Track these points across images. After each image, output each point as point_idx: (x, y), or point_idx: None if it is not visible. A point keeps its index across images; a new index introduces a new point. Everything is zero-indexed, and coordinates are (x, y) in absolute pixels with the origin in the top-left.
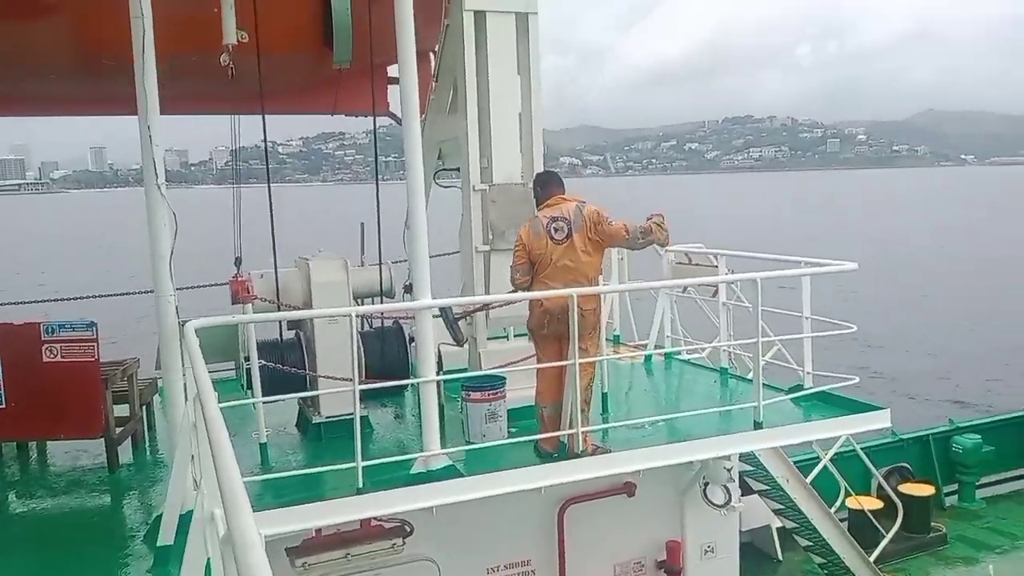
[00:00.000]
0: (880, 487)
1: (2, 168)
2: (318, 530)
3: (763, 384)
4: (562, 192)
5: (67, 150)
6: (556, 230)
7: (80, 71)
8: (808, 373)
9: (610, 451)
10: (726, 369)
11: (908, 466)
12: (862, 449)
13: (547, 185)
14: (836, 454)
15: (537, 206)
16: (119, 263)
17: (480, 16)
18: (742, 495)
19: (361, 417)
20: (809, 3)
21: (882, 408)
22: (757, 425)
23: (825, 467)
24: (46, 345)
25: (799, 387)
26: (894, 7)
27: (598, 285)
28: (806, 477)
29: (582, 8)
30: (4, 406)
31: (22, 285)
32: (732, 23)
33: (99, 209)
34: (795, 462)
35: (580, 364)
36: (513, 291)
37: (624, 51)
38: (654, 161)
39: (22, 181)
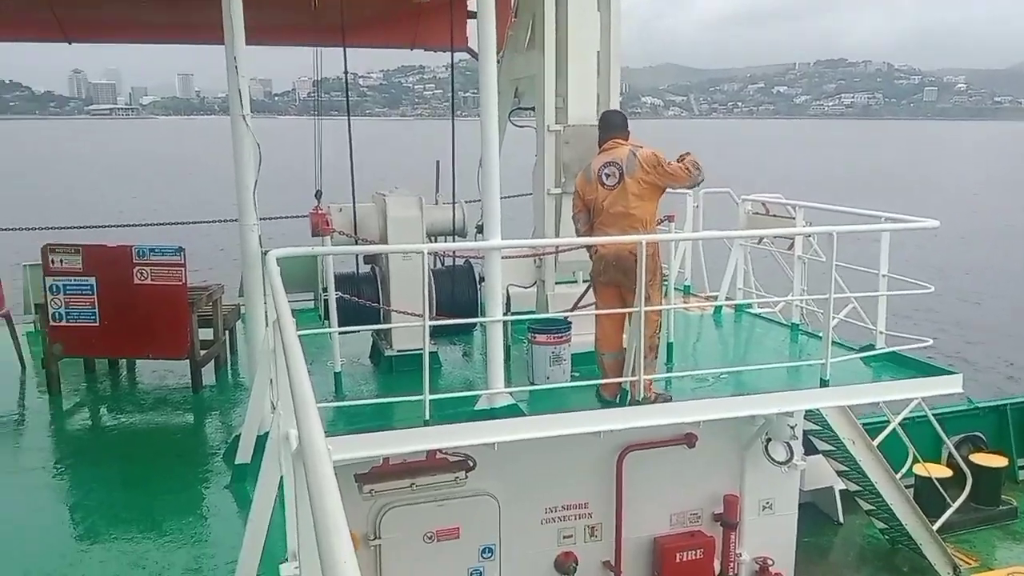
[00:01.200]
0: (951, 455)
1: (95, 92)
2: (386, 459)
3: (834, 342)
4: (622, 135)
5: (156, 76)
6: (607, 176)
7: None
8: (881, 333)
9: (671, 400)
10: (797, 325)
11: (982, 435)
12: (935, 416)
13: (606, 128)
14: (907, 419)
15: (599, 147)
16: (206, 190)
17: None
18: (807, 454)
19: (430, 353)
20: None
21: (954, 373)
22: (823, 383)
23: (894, 432)
24: (137, 267)
25: (870, 347)
26: None
27: (654, 230)
28: (874, 440)
29: None
30: (98, 324)
31: (113, 208)
32: None
33: (186, 136)
34: (864, 425)
35: (645, 312)
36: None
37: None
38: (740, 104)
39: (113, 106)
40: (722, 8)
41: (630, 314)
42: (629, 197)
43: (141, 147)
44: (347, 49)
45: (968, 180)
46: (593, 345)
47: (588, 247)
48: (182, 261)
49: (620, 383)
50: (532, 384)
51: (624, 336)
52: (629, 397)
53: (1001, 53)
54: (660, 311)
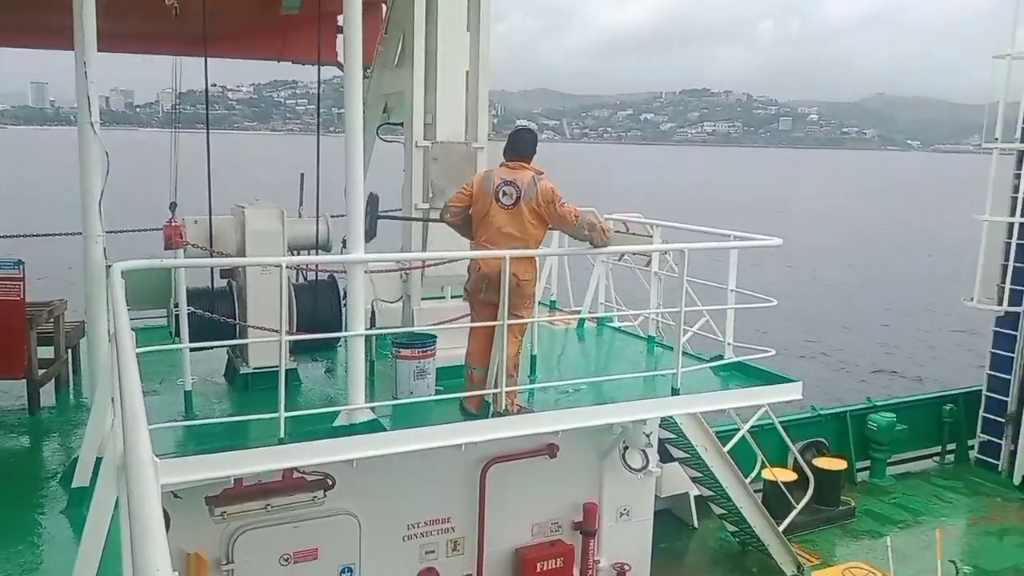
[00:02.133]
0: (796, 460)
1: None
2: (239, 479)
3: (687, 353)
4: (527, 158)
5: (7, 84)
6: (504, 194)
7: (18, 1)
8: (728, 344)
9: (532, 411)
10: (653, 338)
11: (825, 441)
12: (781, 423)
13: (516, 146)
14: (756, 426)
15: (504, 159)
16: (53, 203)
17: None
18: (663, 462)
19: (289, 370)
20: None
21: (794, 381)
22: (675, 391)
23: (744, 438)
24: None
25: (719, 357)
26: None
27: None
28: (725, 447)
29: None
30: None
31: None
32: None
33: (36, 146)
34: (716, 432)
35: (511, 329)
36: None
37: (588, 15)
38: (610, 129)
39: None
40: (594, 38)
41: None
42: (523, 222)
43: None
44: (211, 59)
45: (816, 203)
46: (460, 359)
47: (469, 263)
48: (20, 275)
49: (484, 396)
50: (395, 399)
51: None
52: (492, 409)
53: (851, 87)
54: (524, 330)
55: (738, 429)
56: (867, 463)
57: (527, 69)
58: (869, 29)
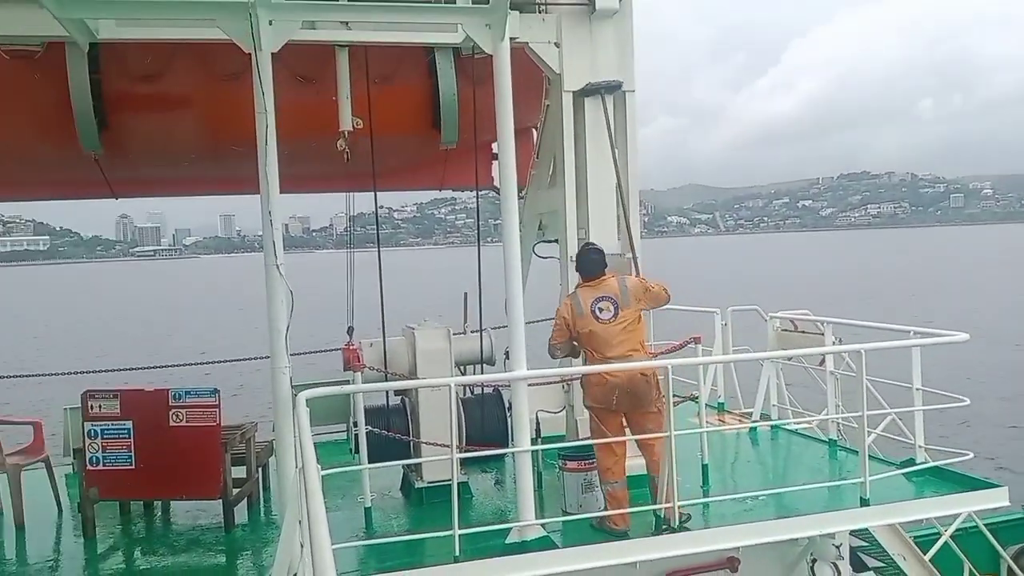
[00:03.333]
0: (1009, 567)
1: (140, 235)
2: None
3: (875, 457)
4: (603, 272)
5: (199, 218)
6: (601, 310)
7: (209, 156)
8: (920, 447)
9: (689, 517)
10: (835, 441)
11: None
12: (987, 525)
13: (593, 266)
14: (959, 530)
15: (583, 280)
16: (242, 324)
17: (578, 96)
18: (856, 572)
19: (461, 483)
20: (933, 56)
21: (998, 486)
22: (864, 502)
23: (947, 544)
24: (173, 410)
25: (911, 461)
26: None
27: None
28: (926, 554)
29: (696, 69)
30: (134, 467)
31: (152, 347)
32: (848, 79)
33: (226, 273)
34: (914, 538)
35: (659, 429)
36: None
37: (735, 110)
38: (766, 219)
39: (157, 247)
40: (744, 131)
41: (639, 439)
42: (631, 330)
43: (182, 286)
44: (378, 193)
45: (1000, 283)
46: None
47: (586, 376)
48: (216, 402)
49: (630, 514)
50: (565, 513)
51: (626, 464)
52: (664, 524)
53: None
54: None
55: (939, 534)
56: None
57: (676, 167)
58: None
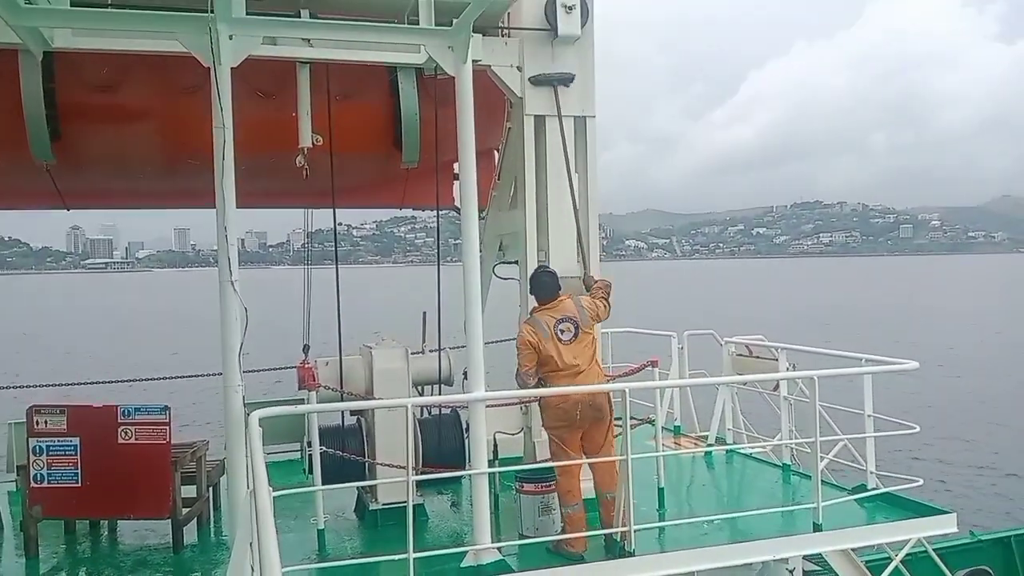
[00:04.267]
0: None
1: (92, 247)
2: None
3: (827, 483)
4: (558, 295)
5: (153, 231)
6: (563, 331)
7: (166, 169)
8: (872, 473)
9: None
10: (788, 465)
11: (988, 570)
12: (937, 551)
13: (548, 289)
14: (909, 555)
15: (539, 303)
16: (194, 340)
17: (540, 120)
18: None
19: (416, 505)
20: (886, 90)
21: (947, 512)
22: (816, 527)
23: (897, 569)
24: (122, 427)
25: (863, 487)
26: (973, 94)
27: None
28: None
29: (656, 97)
30: (80, 484)
31: (101, 362)
32: (803, 111)
33: (179, 288)
34: (866, 562)
35: (612, 454)
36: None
37: (694, 138)
38: (721, 245)
39: (109, 260)
40: (702, 158)
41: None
42: (587, 346)
43: (132, 300)
44: (337, 210)
45: (944, 312)
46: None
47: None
48: (167, 420)
49: (587, 537)
50: (522, 536)
51: (585, 485)
52: (620, 548)
53: (973, 191)
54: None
55: (889, 559)
56: None
57: (635, 192)
58: (987, 133)
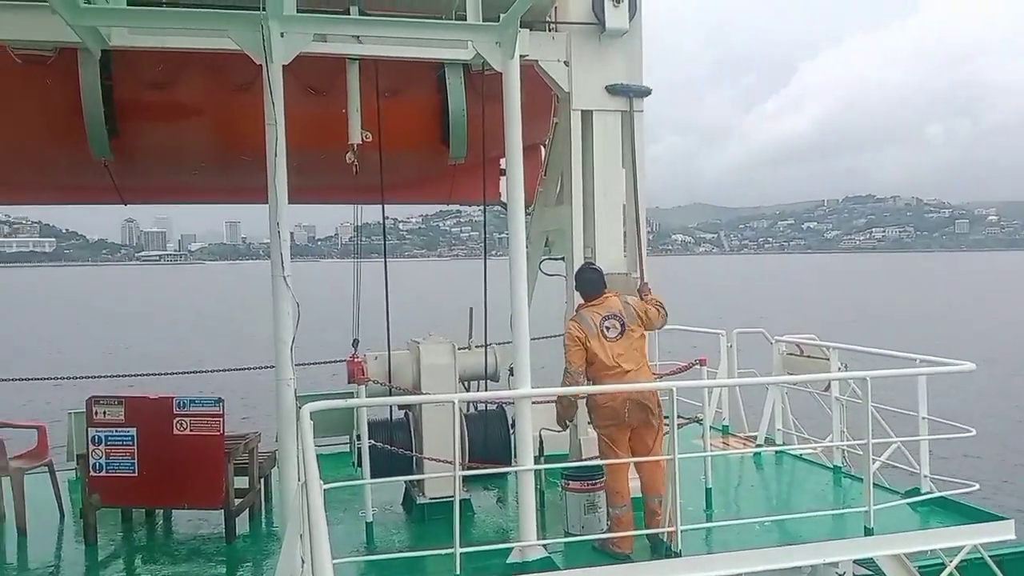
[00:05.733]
0: None
1: (146, 240)
2: None
3: (879, 486)
4: (604, 291)
5: (205, 224)
6: (608, 328)
7: (219, 165)
8: (926, 476)
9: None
10: (839, 467)
11: None
12: (993, 558)
13: (595, 286)
14: (964, 561)
15: (585, 300)
16: (249, 331)
17: (587, 115)
18: None
19: (463, 500)
20: (941, 82)
21: (1005, 518)
22: (868, 531)
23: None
24: (177, 418)
25: (916, 491)
26: None
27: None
28: None
29: (705, 88)
30: (136, 474)
31: (157, 354)
32: (856, 102)
33: (230, 280)
34: (919, 568)
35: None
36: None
37: (744, 130)
38: (771, 240)
39: (163, 252)
40: (751, 151)
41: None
42: (636, 347)
43: (187, 292)
44: (385, 206)
45: (1006, 312)
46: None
47: (593, 398)
48: (220, 412)
49: (633, 537)
50: (567, 533)
51: (632, 485)
52: (666, 548)
53: None
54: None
55: (943, 565)
56: None
57: (682, 185)
58: None
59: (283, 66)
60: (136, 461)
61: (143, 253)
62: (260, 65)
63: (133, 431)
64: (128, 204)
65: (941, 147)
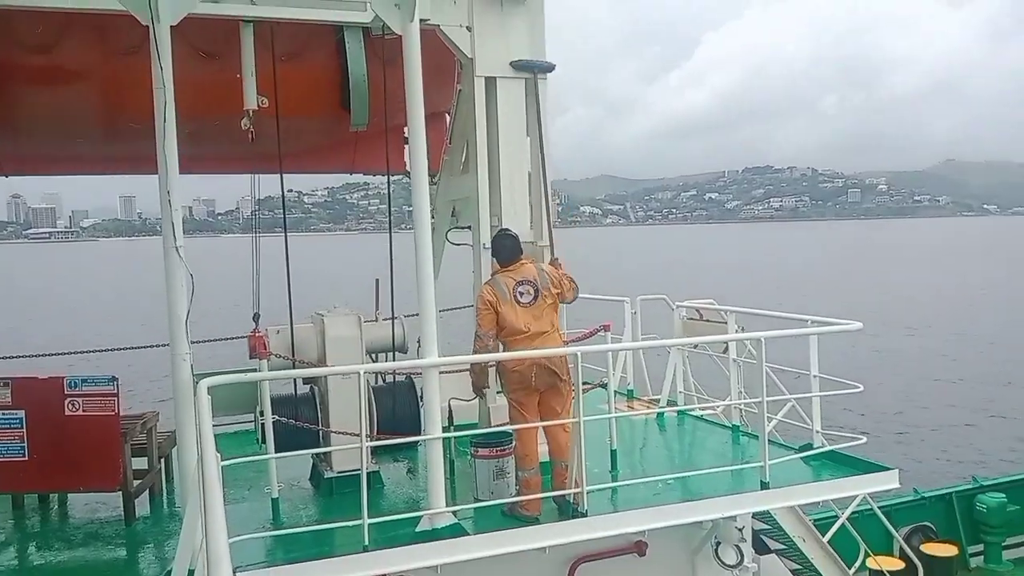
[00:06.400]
0: (901, 548)
1: (34, 216)
2: None
3: (774, 442)
4: (520, 257)
5: (98, 199)
6: (522, 294)
7: (106, 133)
8: (817, 432)
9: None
10: (738, 426)
11: (931, 526)
12: (882, 508)
13: (511, 251)
14: (855, 513)
15: (500, 266)
16: (144, 311)
17: (491, 82)
18: (759, 553)
19: (372, 472)
20: (837, 55)
21: (890, 469)
22: (764, 485)
23: (844, 526)
24: (69, 399)
25: (808, 446)
26: (925, 57)
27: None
28: (824, 536)
29: (611, 60)
30: (27, 458)
31: (47, 335)
32: (757, 75)
33: (125, 258)
34: (813, 520)
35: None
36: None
37: (649, 102)
38: (674, 211)
39: (53, 229)
40: (656, 123)
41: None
42: (547, 312)
43: (79, 270)
44: (285, 175)
45: (894, 276)
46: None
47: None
48: (115, 391)
49: (541, 499)
50: (476, 500)
51: (540, 449)
52: (573, 509)
53: (918, 156)
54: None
55: (836, 516)
56: (980, 548)
57: (589, 157)
58: (935, 96)
59: (172, 28)
60: (26, 444)
61: (31, 230)
62: (147, 27)
63: (22, 413)
64: (8, 175)
65: (836, 118)
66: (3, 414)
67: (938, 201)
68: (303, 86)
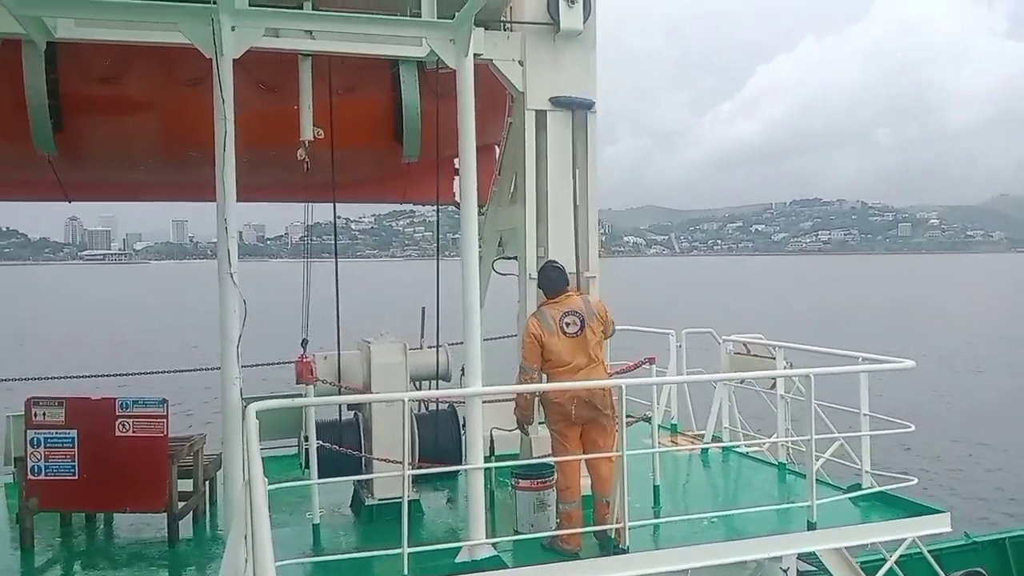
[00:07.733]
0: None
1: (90, 238)
2: None
3: (822, 481)
4: (566, 289)
5: (151, 223)
6: (568, 324)
7: (167, 161)
8: (866, 472)
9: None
10: (784, 464)
11: (983, 571)
12: (932, 552)
13: (557, 283)
14: (904, 556)
15: (547, 298)
16: (194, 332)
17: (541, 115)
18: None
19: (412, 501)
20: (891, 88)
21: (942, 512)
22: (810, 525)
23: (892, 570)
24: (120, 420)
25: (857, 486)
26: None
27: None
28: None
29: (661, 91)
30: (76, 477)
31: (100, 355)
32: (808, 106)
33: (177, 279)
34: (861, 563)
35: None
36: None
37: (698, 133)
38: (719, 242)
39: (107, 251)
40: (703, 154)
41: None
42: (592, 344)
43: (132, 291)
44: (337, 204)
45: (941, 312)
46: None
47: (543, 395)
48: (164, 413)
49: (582, 533)
50: (516, 532)
51: (583, 482)
52: (614, 544)
53: (971, 190)
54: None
55: (884, 559)
56: None
57: (635, 187)
58: (987, 132)
59: (234, 61)
60: (76, 463)
61: (87, 252)
62: (210, 60)
63: (74, 433)
64: (72, 201)
65: (887, 151)
66: (56, 433)
67: (991, 236)
68: (358, 118)
